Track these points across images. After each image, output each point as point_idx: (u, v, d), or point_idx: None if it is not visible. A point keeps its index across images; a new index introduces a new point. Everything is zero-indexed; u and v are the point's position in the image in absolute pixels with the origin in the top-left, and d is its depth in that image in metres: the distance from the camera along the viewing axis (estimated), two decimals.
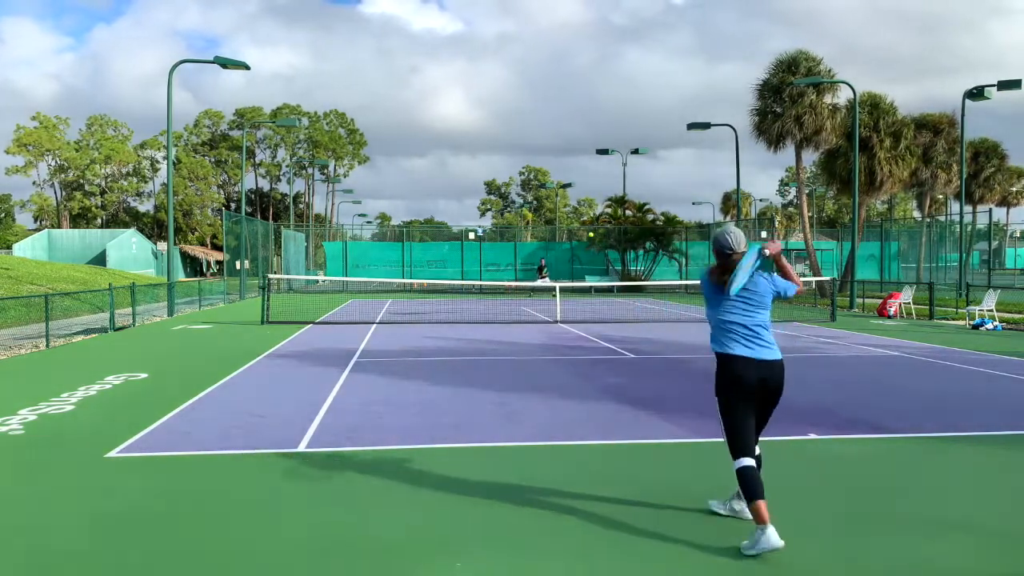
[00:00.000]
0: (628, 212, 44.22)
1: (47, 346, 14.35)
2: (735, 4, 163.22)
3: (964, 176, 31.17)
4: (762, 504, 4.32)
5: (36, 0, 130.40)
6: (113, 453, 6.58)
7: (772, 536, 4.24)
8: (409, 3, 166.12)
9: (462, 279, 42.03)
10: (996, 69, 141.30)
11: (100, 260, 57.54)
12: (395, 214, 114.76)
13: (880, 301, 24.08)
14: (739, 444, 4.54)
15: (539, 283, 36.76)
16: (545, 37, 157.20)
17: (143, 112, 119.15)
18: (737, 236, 4.64)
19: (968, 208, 39.78)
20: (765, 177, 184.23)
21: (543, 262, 41.33)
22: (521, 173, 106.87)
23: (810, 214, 48.45)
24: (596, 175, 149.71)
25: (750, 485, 4.40)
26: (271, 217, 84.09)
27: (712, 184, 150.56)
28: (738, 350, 4.58)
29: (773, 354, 4.61)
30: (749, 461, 4.47)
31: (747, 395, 4.55)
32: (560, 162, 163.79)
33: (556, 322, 20.16)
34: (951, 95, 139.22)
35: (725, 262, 4.64)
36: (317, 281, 43.05)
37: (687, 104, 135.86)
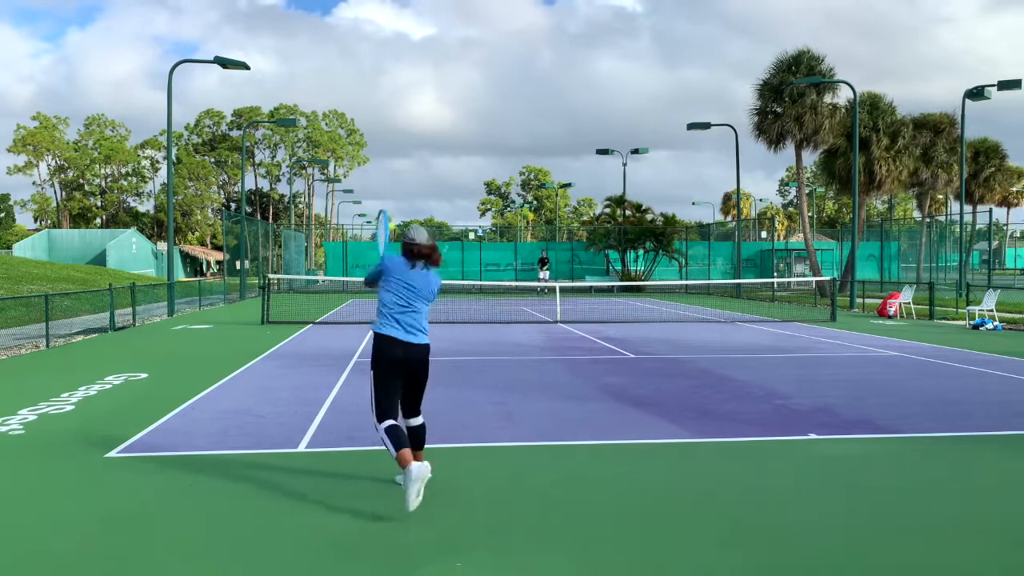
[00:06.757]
0: (627, 212, 44.22)
1: (47, 346, 14.34)
2: (692, 11, 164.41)
3: (964, 176, 31.18)
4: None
5: (8, 4, 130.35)
6: (113, 453, 6.58)
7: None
8: (391, 6, 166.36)
9: (462, 279, 42.01)
10: (948, 71, 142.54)
11: (100, 260, 57.51)
12: None
13: (880, 301, 24.08)
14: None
15: (540, 282, 36.68)
16: (532, 42, 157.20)
17: (121, 113, 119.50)
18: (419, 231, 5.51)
19: (968, 208, 39.80)
20: (751, 179, 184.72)
21: (544, 254, 40.44)
22: (521, 173, 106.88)
23: (810, 214, 48.46)
24: (588, 176, 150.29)
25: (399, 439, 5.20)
26: (271, 217, 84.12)
27: (701, 185, 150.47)
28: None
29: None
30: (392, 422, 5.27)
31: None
32: (549, 163, 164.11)
33: (556, 322, 20.15)
34: (911, 97, 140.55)
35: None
36: (317, 281, 43.05)
37: (666, 106, 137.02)
